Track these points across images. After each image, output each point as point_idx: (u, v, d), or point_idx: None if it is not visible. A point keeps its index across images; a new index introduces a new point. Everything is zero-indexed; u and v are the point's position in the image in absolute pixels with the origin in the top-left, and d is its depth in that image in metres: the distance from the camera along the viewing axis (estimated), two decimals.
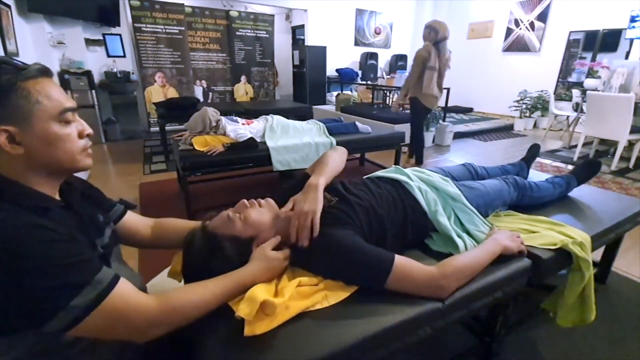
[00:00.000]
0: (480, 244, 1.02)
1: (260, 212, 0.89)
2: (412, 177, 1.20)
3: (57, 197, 0.65)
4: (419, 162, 3.41)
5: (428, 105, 3.19)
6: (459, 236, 1.05)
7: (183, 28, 4.64)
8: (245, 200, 0.90)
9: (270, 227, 0.88)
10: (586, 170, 1.59)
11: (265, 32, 5.44)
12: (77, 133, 0.63)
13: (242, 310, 0.69)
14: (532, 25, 6.28)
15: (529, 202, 1.38)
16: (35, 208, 0.57)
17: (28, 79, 0.56)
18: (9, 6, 2.94)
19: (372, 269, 0.83)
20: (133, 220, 0.91)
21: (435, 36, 2.98)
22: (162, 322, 0.62)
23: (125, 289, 0.59)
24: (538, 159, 3.91)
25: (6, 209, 0.53)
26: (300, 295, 0.81)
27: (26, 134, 0.56)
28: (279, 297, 0.76)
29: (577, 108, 4.53)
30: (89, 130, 0.65)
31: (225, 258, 0.79)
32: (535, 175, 1.69)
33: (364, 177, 1.24)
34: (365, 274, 0.84)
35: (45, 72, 0.59)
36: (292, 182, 1.11)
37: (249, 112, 3.69)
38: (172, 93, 4.72)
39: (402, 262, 0.83)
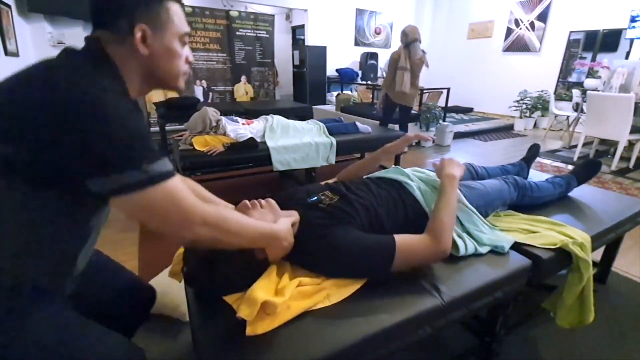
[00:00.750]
0: (441, 190, 1.04)
1: (262, 213, 0.88)
2: (412, 177, 1.20)
3: None
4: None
5: (396, 100, 3.44)
6: (459, 236, 1.05)
7: None
8: (247, 201, 0.90)
9: None
10: (586, 170, 1.59)
11: (265, 32, 5.43)
12: (185, 58, 0.72)
13: (243, 311, 0.69)
14: (532, 25, 6.28)
15: (529, 202, 1.38)
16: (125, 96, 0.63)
17: (171, 1, 0.67)
18: (9, 6, 2.93)
19: (377, 258, 0.86)
20: None
21: (405, 39, 3.26)
22: (209, 223, 0.63)
23: (181, 183, 0.62)
24: (538, 159, 3.90)
25: (103, 86, 0.56)
26: (302, 295, 0.81)
27: (156, 39, 0.65)
28: (279, 297, 0.76)
29: (577, 108, 4.53)
30: (192, 58, 0.75)
31: (228, 258, 0.79)
32: (535, 175, 1.69)
33: (364, 177, 1.24)
34: (372, 265, 0.86)
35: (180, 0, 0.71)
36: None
37: (249, 112, 3.68)
38: (172, 93, 4.72)
39: (402, 242, 0.87)
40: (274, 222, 0.87)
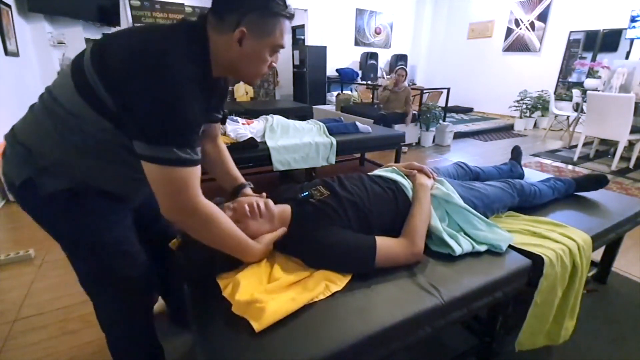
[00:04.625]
0: (416, 198, 1.09)
1: (260, 223, 0.92)
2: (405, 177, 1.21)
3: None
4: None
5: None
6: (452, 236, 1.05)
7: None
8: (247, 207, 0.91)
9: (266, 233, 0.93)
10: (593, 183, 1.55)
11: None
12: (269, 63, 0.78)
13: (235, 306, 0.75)
14: (532, 25, 6.28)
15: (530, 206, 1.39)
16: (201, 78, 0.69)
17: (284, 17, 0.73)
18: (9, 6, 2.94)
19: (358, 259, 0.90)
20: (214, 130, 1.04)
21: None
22: (198, 218, 0.72)
23: (198, 174, 0.70)
24: (538, 159, 3.91)
25: (184, 69, 0.65)
26: (304, 288, 0.84)
27: (251, 43, 0.72)
28: (269, 294, 0.80)
29: (578, 108, 4.53)
30: (275, 64, 0.80)
31: (219, 259, 0.85)
32: (535, 175, 1.69)
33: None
34: (355, 264, 0.91)
35: (292, 17, 0.76)
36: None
37: (249, 112, 3.68)
38: None
39: (382, 243, 0.92)
40: (270, 231, 0.92)
